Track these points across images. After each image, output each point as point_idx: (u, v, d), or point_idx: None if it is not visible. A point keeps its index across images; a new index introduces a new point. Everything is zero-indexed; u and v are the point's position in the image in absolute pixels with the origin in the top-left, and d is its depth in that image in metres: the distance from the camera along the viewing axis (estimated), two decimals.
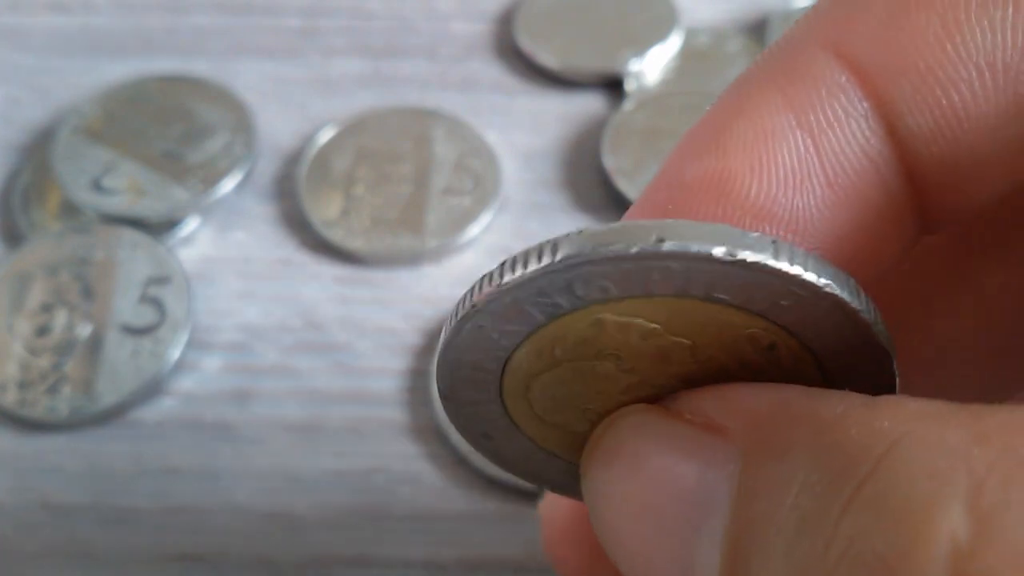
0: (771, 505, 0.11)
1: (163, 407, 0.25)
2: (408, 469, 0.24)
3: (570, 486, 0.16)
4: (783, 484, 0.10)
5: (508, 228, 0.28)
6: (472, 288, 0.13)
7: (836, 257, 0.13)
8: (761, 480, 0.11)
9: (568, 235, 0.12)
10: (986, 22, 0.13)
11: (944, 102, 0.13)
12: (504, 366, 0.14)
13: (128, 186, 0.28)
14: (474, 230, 0.27)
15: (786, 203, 0.13)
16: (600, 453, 0.13)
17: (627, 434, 0.13)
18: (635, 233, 0.12)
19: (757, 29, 0.32)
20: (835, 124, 0.13)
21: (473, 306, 0.13)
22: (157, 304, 0.26)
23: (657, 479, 0.12)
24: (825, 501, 0.10)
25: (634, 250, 0.11)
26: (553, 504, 0.18)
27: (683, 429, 0.12)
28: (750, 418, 0.12)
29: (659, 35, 0.31)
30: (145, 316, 0.26)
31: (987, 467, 0.09)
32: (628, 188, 0.28)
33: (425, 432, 0.24)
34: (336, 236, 0.27)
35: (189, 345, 0.25)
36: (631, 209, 0.14)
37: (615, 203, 0.28)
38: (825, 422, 0.11)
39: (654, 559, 0.12)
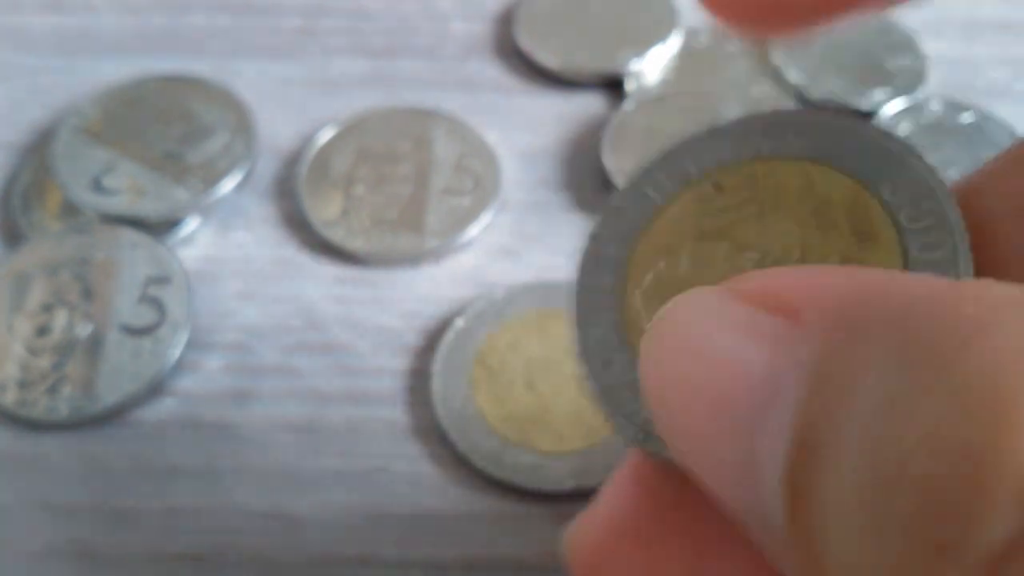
0: (846, 390, 0.10)
1: (163, 407, 0.25)
2: (408, 469, 0.24)
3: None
4: (860, 368, 0.10)
5: (508, 228, 0.28)
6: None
7: None
8: (836, 364, 0.10)
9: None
10: None
11: None
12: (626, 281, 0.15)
13: (128, 186, 0.28)
14: (474, 230, 0.27)
15: None
16: (660, 332, 0.13)
17: (689, 314, 0.12)
18: None
19: None
20: None
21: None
22: (157, 304, 0.26)
23: (720, 362, 0.12)
24: (905, 386, 0.09)
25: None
26: (583, 540, 0.17)
27: (749, 311, 0.12)
28: (826, 300, 0.11)
29: (659, 35, 0.31)
30: (145, 316, 0.26)
31: None
32: None
33: (425, 432, 0.24)
34: (336, 236, 0.27)
35: (189, 345, 0.25)
36: None
37: None
38: (907, 305, 0.10)
39: (715, 447, 0.12)
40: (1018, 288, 0.10)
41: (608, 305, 0.15)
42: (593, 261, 0.16)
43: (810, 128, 0.15)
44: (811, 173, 0.15)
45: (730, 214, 0.15)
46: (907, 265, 0.14)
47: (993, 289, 0.10)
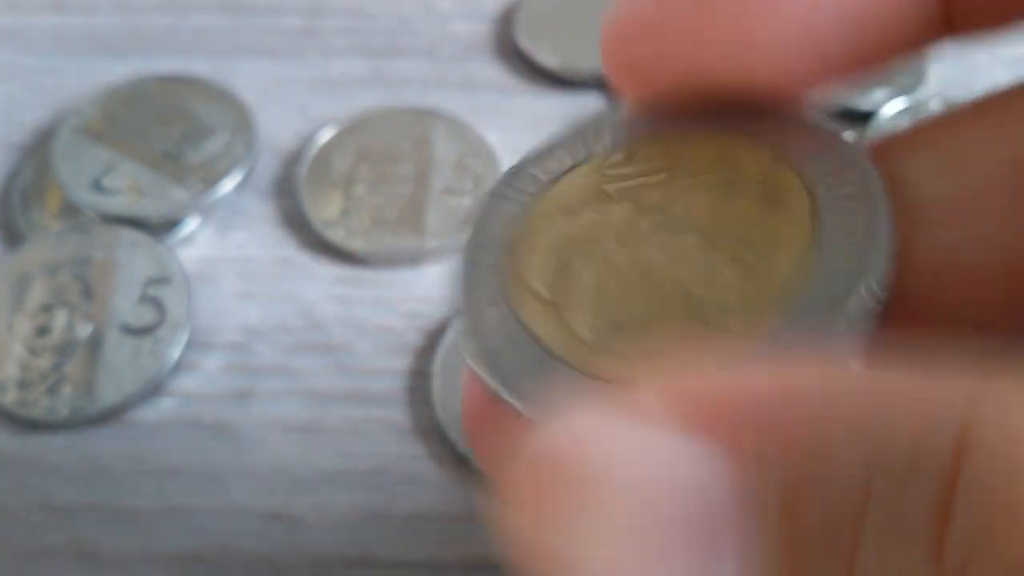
0: (828, 522, 0.09)
1: (163, 407, 0.25)
2: (409, 469, 0.24)
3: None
4: (836, 496, 0.09)
5: None
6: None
7: (845, 17, 0.13)
8: (800, 495, 0.09)
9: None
10: None
11: None
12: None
13: (128, 186, 0.28)
14: None
15: None
16: (545, 458, 0.10)
17: (583, 443, 0.10)
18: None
19: None
20: None
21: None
22: (157, 304, 0.26)
23: (641, 499, 0.09)
24: (908, 511, 0.09)
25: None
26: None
27: (665, 433, 0.10)
28: (757, 420, 0.10)
29: None
30: (145, 316, 0.26)
31: None
32: None
33: (426, 432, 0.24)
34: (336, 236, 0.27)
35: (189, 345, 0.25)
36: None
37: None
38: (861, 411, 0.09)
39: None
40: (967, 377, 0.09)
41: (493, 263, 0.14)
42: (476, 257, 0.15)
43: (740, 112, 0.14)
44: (728, 145, 0.14)
45: (636, 179, 0.14)
46: (818, 228, 0.13)
47: (959, 384, 0.09)
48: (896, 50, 0.13)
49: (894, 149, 0.14)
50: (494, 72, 0.31)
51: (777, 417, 0.09)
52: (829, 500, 0.09)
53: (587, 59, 0.31)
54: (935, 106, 0.30)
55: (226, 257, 0.28)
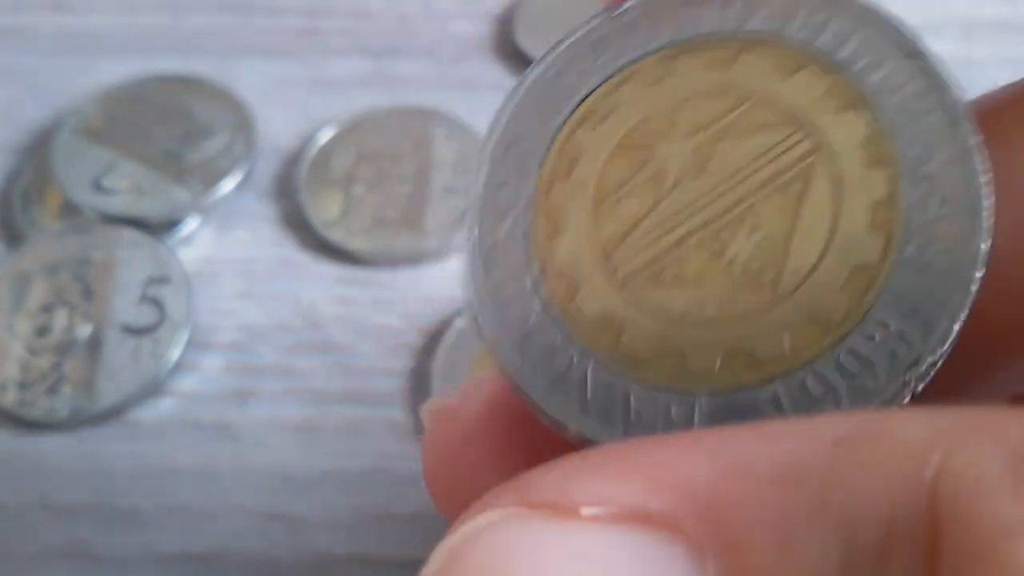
0: None
1: (163, 407, 0.25)
2: (408, 469, 0.24)
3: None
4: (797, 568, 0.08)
5: None
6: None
7: None
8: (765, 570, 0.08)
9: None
10: None
11: None
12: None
13: (128, 186, 0.28)
14: None
15: None
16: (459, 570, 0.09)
17: (503, 545, 0.09)
18: None
19: None
20: None
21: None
22: (157, 304, 0.26)
23: None
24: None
25: None
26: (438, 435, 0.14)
27: (598, 533, 0.09)
28: (703, 494, 0.08)
29: None
30: (145, 316, 0.26)
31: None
32: None
33: None
34: (336, 236, 0.27)
35: (189, 345, 0.25)
36: None
37: None
38: (820, 487, 0.08)
39: None
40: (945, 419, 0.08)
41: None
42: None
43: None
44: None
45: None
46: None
47: (906, 434, 0.08)
48: None
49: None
50: (494, 72, 0.31)
51: (718, 502, 0.08)
52: None
53: None
54: None
55: (226, 257, 0.28)
